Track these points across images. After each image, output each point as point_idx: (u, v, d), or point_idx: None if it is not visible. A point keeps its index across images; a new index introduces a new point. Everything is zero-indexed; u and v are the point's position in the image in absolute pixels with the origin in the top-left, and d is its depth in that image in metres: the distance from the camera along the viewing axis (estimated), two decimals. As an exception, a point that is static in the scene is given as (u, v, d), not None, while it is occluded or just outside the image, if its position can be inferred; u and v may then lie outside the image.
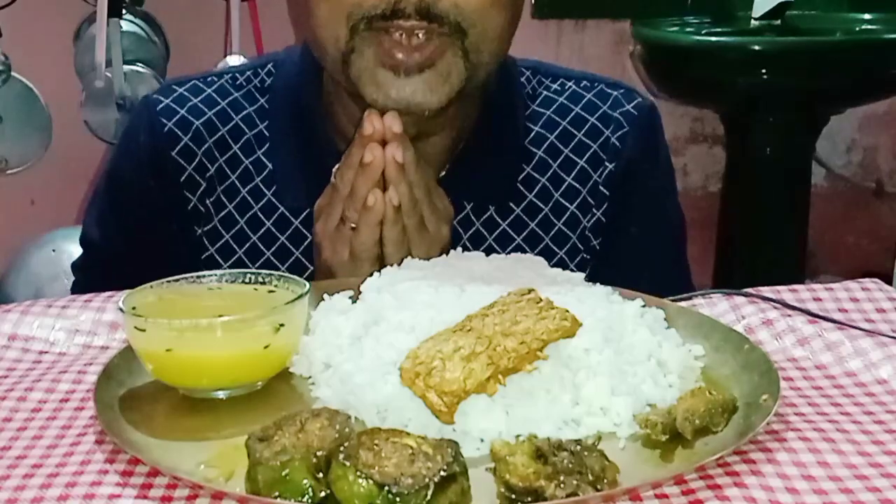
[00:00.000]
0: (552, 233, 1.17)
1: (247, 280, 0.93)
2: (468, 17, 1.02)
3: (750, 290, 1.05)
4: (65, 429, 0.81)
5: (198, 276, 0.93)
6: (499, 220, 1.17)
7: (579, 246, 1.19)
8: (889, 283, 1.10)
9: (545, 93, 1.23)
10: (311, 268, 1.15)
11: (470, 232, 1.16)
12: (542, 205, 1.18)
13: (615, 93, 1.23)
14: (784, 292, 1.05)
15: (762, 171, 2.75)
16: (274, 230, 1.18)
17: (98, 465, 0.75)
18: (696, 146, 3.02)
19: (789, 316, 0.99)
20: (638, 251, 1.21)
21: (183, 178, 1.18)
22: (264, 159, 1.19)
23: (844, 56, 2.65)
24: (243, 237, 1.19)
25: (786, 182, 2.77)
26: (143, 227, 1.21)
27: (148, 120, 1.20)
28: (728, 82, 2.70)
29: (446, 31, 1.02)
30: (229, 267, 1.18)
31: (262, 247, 1.18)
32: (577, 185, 1.19)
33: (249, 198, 1.19)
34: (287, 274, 0.92)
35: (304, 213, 1.16)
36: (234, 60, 2.37)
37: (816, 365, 0.93)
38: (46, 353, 0.96)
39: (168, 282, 0.91)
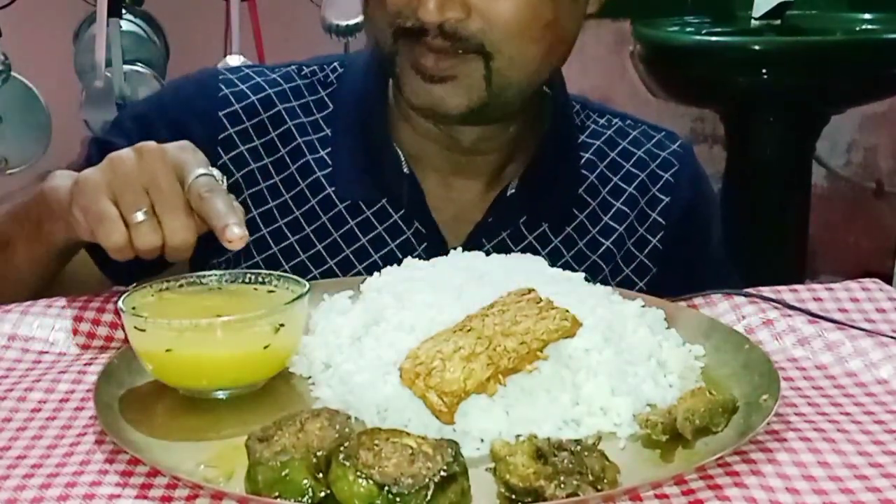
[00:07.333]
0: (600, 251, 1.24)
1: (247, 280, 0.93)
2: (494, 43, 1.06)
3: (750, 290, 1.05)
4: (65, 429, 0.81)
5: (198, 276, 0.93)
6: (551, 237, 1.23)
7: (622, 266, 1.26)
8: (889, 283, 1.10)
9: (593, 126, 1.31)
10: (359, 266, 1.17)
11: (522, 244, 1.22)
12: (590, 226, 1.25)
13: (658, 135, 1.33)
14: (784, 292, 1.05)
15: (762, 171, 2.75)
16: (320, 213, 1.19)
17: (98, 465, 0.75)
18: (696, 146, 2.98)
19: (789, 316, 0.99)
20: (694, 273, 1.27)
21: (222, 136, 1.18)
22: (318, 146, 1.20)
23: (844, 56, 2.65)
24: (277, 214, 1.19)
25: (786, 182, 2.77)
26: None
27: (203, 82, 1.23)
28: (728, 82, 2.70)
29: (470, 48, 1.06)
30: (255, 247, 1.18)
31: (288, 231, 1.19)
32: (626, 209, 1.26)
33: (297, 176, 1.19)
34: (287, 274, 0.92)
35: (352, 208, 1.19)
36: (234, 60, 2.36)
37: (816, 365, 0.93)
38: (46, 353, 0.96)
39: (168, 282, 0.91)
